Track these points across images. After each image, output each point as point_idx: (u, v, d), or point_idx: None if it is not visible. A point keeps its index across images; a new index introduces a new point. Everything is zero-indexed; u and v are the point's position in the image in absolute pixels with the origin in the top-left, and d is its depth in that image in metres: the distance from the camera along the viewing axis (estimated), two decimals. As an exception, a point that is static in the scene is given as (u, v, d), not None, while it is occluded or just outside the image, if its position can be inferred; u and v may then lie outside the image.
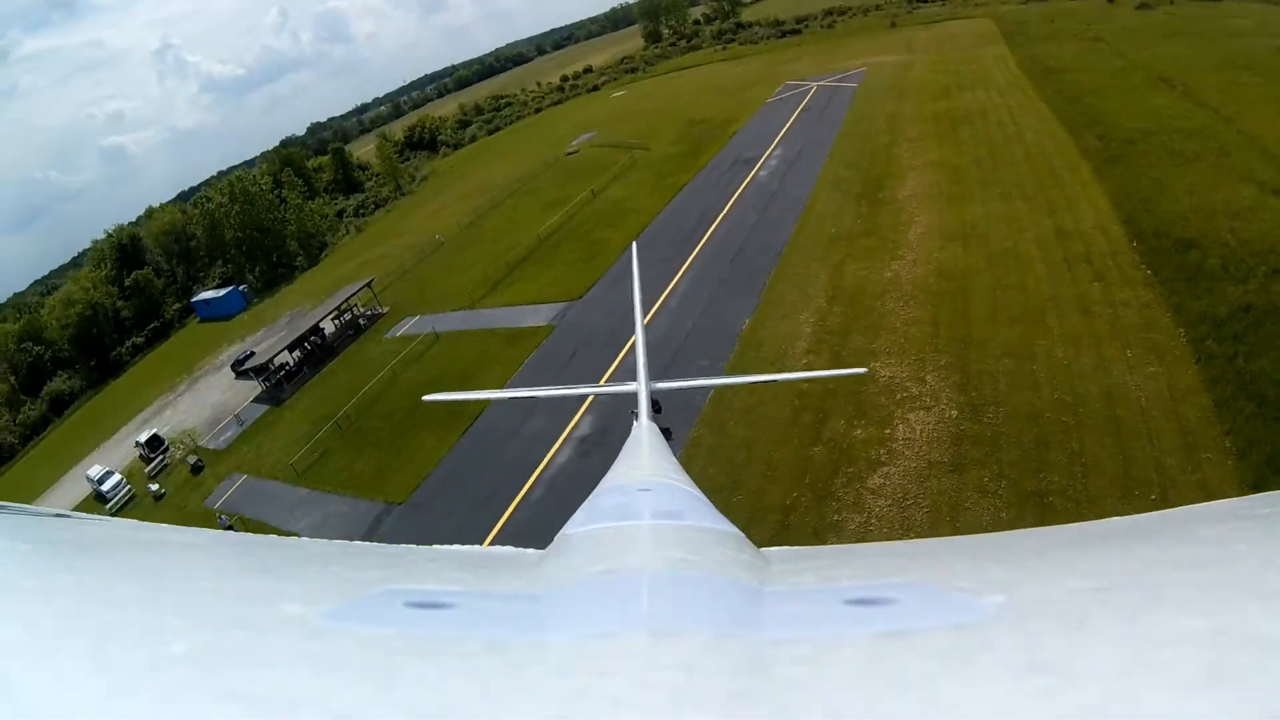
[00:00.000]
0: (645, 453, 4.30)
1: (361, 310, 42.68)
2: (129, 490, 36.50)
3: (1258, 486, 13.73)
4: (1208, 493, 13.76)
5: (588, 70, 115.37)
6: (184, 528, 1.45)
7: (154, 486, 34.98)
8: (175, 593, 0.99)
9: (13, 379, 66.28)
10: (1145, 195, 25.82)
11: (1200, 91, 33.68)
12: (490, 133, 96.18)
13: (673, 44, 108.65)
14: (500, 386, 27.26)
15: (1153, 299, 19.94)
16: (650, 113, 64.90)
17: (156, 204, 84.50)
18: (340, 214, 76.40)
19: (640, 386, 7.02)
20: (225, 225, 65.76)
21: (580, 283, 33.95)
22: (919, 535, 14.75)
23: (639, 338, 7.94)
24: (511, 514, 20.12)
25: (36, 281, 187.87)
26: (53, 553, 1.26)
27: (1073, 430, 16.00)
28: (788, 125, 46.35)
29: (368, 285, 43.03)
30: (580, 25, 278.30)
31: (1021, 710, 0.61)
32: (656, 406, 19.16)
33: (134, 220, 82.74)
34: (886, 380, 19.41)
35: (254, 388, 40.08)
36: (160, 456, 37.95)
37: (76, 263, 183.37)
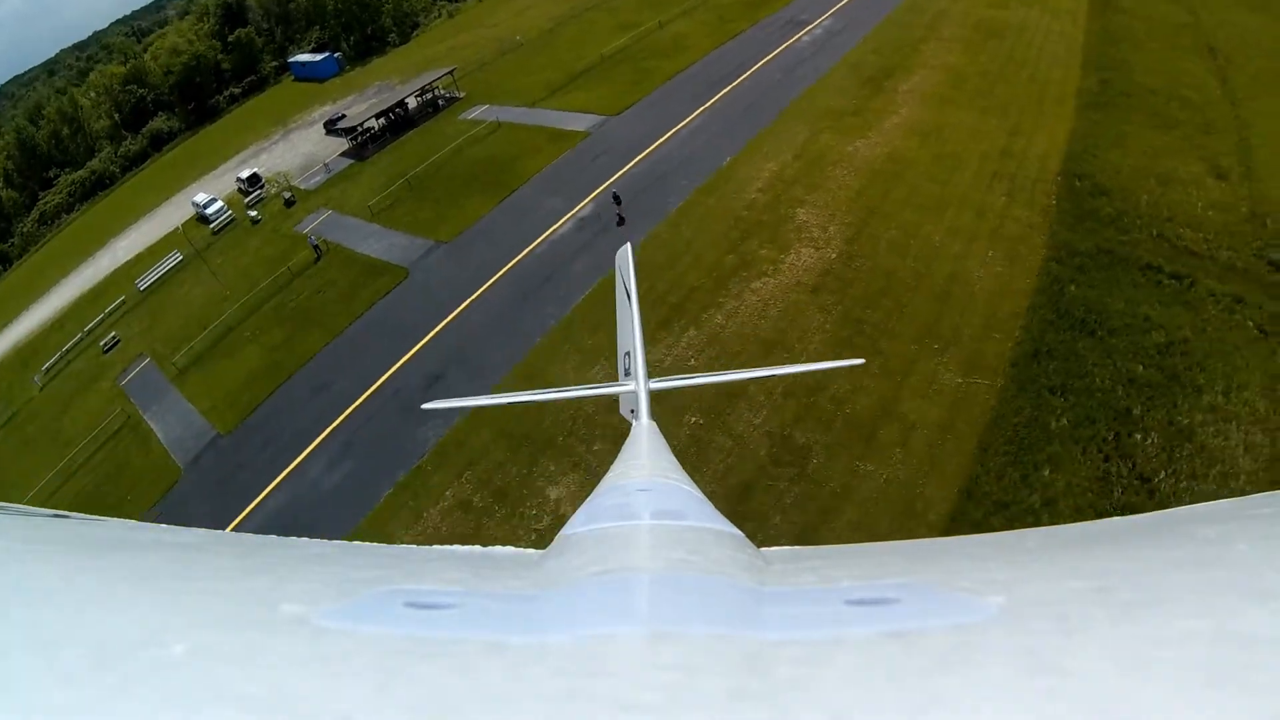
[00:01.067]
0: (644, 452, 4.08)
1: (442, 92, 48.94)
2: (229, 215, 43.76)
3: (1014, 364, 19.37)
4: (975, 353, 19.65)
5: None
6: (182, 528, 1.46)
7: (253, 214, 42.32)
8: (174, 593, 1.00)
9: (116, 116, 74.14)
10: (1100, 143, 29.00)
11: (1235, 69, 34.72)
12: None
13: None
14: (538, 172, 34.58)
15: (1039, 222, 24.62)
16: None
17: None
18: None
19: (639, 386, 6.90)
20: None
21: (622, 102, 39.77)
22: (767, 323, 21.66)
23: (637, 337, 7.76)
24: (520, 259, 27.77)
25: (117, 21, 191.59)
26: (51, 553, 1.27)
27: (910, 290, 22.11)
28: None
29: (449, 73, 48.79)
30: None
31: (1022, 711, 0.62)
32: (617, 199, 25.67)
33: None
34: (801, 222, 25.76)
35: (342, 144, 47.30)
36: (257, 191, 45.17)
37: (159, 5, 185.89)
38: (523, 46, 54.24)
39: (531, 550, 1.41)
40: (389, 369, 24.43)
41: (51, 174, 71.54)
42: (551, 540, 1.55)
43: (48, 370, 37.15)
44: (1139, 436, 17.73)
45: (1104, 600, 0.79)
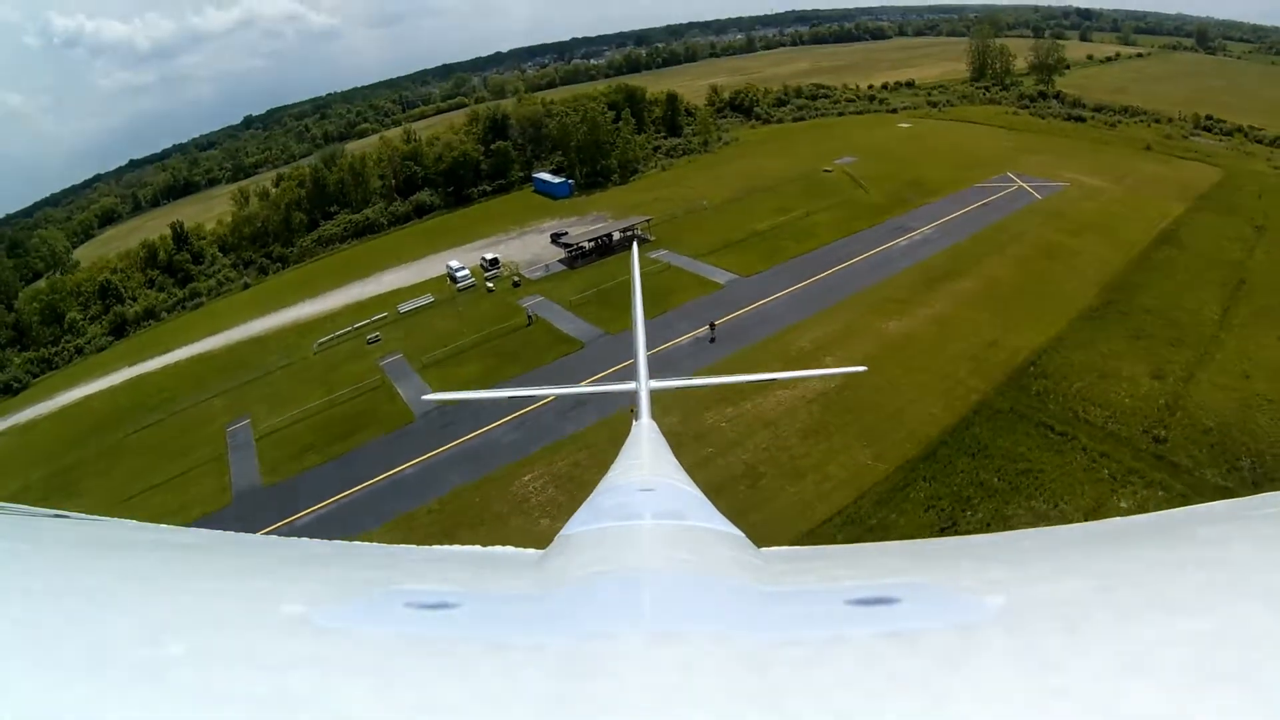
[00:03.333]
0: (645, 453, 4.47)
1: (638, 233, 67.41)
2: (471, 281, 63.58)
3: (908, 460, 34.05)
4: (887, 449, 33.98)
5: (908, 85, 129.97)
6: (182, 528, 1.55)
7: (489, 285, 62.03)
8: (174, 593, 1.07)
9: (394, 182, 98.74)
10: (1070, 344, 40.21)
11: (1247, 302, 44.06)
12: (795, 119, 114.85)
13: (986, 87, 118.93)
14: (681, 304, 50.79)
15: (981, 389, 37.20)
16: (899, 158, 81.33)
17: (506, 48, 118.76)
18: (656, 149, 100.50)
19: (640, 386, 7.21)
20: (573, 134, 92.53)
21: (753, 268, 56.24)
22: (770, 408, 37.03)
23: (639, 336, 7.86)
24: (650, 354, 44.70)
25: (382, 82, 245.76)
26: (52, 553, 1.34)
27: (870, 409, 36.53)
28: (957, 213, 61.89)
29: (646, 221, 68.34)
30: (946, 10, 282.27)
31: (1022, 709, 0.64)
32: (712, 326, 43.01)
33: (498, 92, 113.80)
34: (824, 362, 41.05)
35: (560, 253, 66.84)
36: (494, 270, 64.81)
37: (424, 79, 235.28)
38: (705, 210, 72.73)
39: (531, 550, 1.58)
40: (541, 403, 42.02)
41: (333, 209, 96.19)
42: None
43: (321, 344, 58.35)
44: (969, 513, 29.93)
45: (1104, 600, 0.85)
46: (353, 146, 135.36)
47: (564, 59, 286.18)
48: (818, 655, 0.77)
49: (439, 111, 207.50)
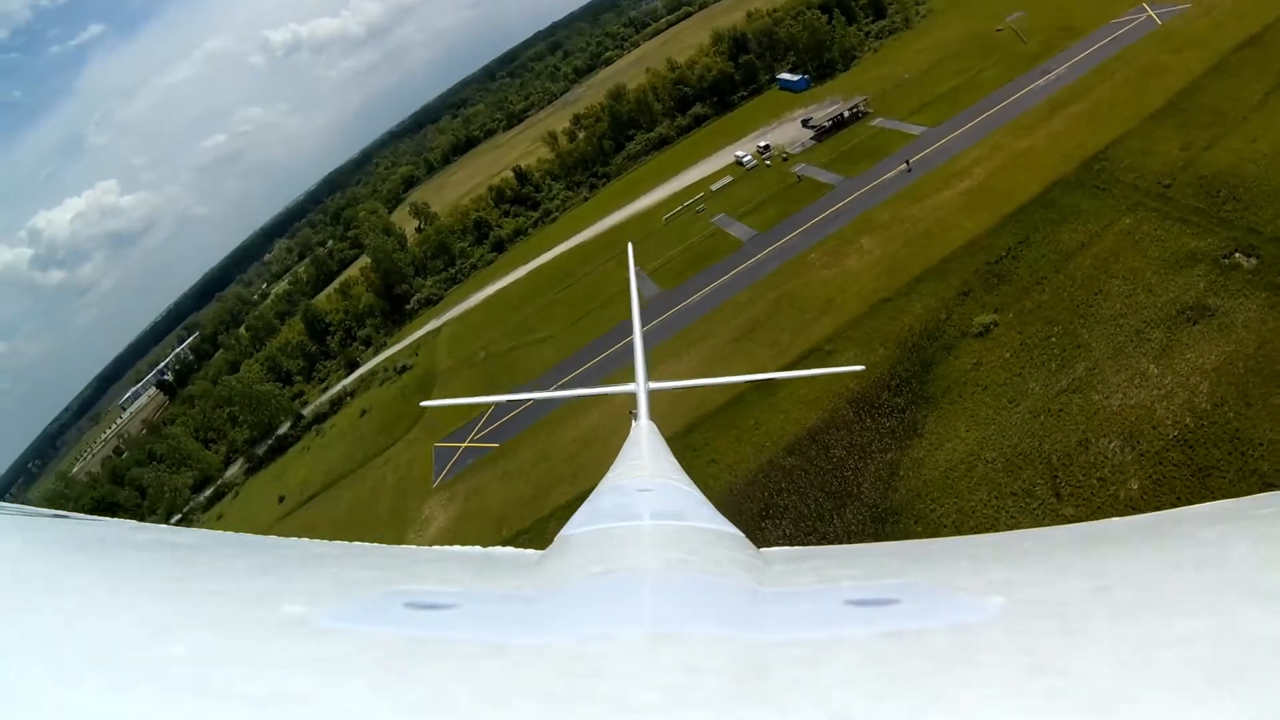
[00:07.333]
0: (645, 453, 4.75)
1: (861, 109, 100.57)
2: (753, 162, 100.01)
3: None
4: (991, 196, 70.36)
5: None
6: (182, 529, 1.61)
7: (767, 163, 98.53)
8: (174, 593, 1.11)
9: (671, 102, 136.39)
10: (1139, 143, 74.48)
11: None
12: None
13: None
14: (894, 153, 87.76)
15: (1067, 167, 73.20)
16: (1057, 6, 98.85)
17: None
18: (867, 34, 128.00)
19: (639, 387, 7.59)
20: (799, 39, 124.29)
21: (938, 120, 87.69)
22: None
23: (637, 339, 8.10)
24: (867, 189, 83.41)
25: (603, 4, 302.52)
26: (53, 553, 1.39)
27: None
28: (1089, 51, 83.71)
29: (865, 99, 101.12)
30: None
31: (1022, 711, 0.67)
32: (908, 162, 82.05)
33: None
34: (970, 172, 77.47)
35: (809, 133, 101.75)
36: (767, 152, 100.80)
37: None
38: (906, 81, 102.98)
39: (531, 551, 1.63)
40: (814, 220, 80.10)
41: (630, 132, 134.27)
42: None
43: (667, 218, 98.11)
44: (1039, 231, 66.45)
45: (1103, 600, 0.89)
46: (608, 73, 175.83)
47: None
48: (818, 655, 0.83)
49: (670, 25, 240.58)
